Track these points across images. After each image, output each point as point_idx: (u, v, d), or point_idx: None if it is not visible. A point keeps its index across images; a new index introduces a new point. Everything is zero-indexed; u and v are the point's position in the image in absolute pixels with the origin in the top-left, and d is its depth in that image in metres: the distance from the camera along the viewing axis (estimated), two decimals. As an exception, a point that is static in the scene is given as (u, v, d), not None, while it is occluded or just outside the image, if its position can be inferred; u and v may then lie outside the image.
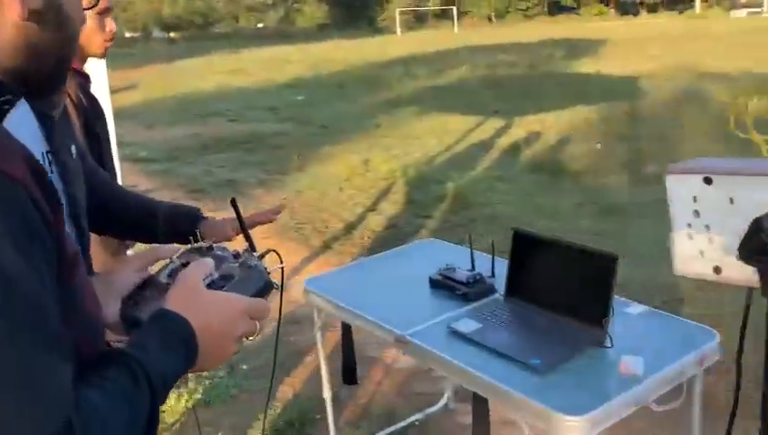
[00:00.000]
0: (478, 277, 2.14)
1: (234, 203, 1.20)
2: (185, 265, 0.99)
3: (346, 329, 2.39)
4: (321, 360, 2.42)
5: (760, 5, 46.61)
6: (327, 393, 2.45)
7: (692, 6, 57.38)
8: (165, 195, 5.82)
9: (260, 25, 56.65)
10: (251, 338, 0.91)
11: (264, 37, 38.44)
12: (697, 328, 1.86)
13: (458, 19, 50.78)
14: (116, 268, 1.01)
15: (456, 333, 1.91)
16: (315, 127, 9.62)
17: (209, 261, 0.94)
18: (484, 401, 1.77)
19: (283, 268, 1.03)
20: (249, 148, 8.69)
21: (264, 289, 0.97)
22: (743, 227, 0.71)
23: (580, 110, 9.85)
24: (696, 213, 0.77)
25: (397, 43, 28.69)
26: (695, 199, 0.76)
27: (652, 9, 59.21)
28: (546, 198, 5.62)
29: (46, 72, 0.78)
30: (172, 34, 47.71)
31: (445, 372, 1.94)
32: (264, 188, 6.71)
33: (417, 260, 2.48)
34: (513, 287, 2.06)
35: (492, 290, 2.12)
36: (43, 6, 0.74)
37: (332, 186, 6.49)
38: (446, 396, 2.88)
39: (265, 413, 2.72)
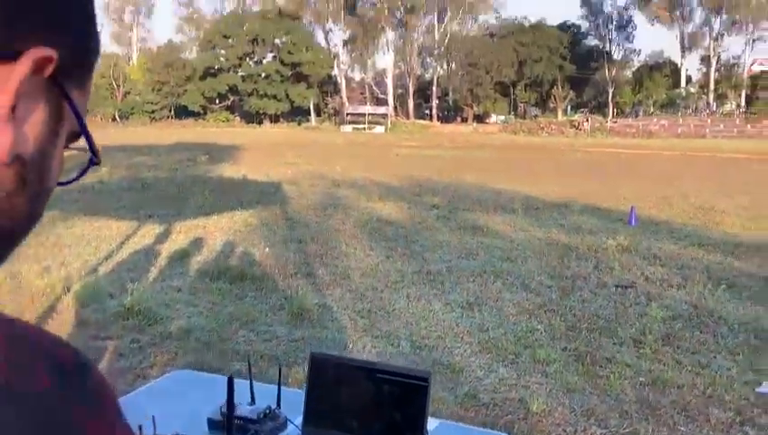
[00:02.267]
0: (268, 411, 1.94)
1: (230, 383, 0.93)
2: None
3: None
4: None
5: (363, 123, 54.24)
6: None
7: (308, 120, 64.02)
8: None
9: None
10: None
11: None
12: (493, 435, 1.97)
13: (81, 117, 48.11)
14: None
15: (266, 481, 1.68)
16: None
17: None
18: None
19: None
20: None
21: None
22: None
23: (238, 214, 10.02)
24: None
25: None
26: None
27: (274, 119, 64.24)
28: (235, 306, 5.48)
29: (14, 232, 0.48)
30: None
31: None
32: None
33: (178, 398, 2.15)
34: (313, 417, 1.92)
35: (285, 423, 1.95)
36: (32, 155, 0.46)
37: (-29, 308, 5.36)
38: None
39: None
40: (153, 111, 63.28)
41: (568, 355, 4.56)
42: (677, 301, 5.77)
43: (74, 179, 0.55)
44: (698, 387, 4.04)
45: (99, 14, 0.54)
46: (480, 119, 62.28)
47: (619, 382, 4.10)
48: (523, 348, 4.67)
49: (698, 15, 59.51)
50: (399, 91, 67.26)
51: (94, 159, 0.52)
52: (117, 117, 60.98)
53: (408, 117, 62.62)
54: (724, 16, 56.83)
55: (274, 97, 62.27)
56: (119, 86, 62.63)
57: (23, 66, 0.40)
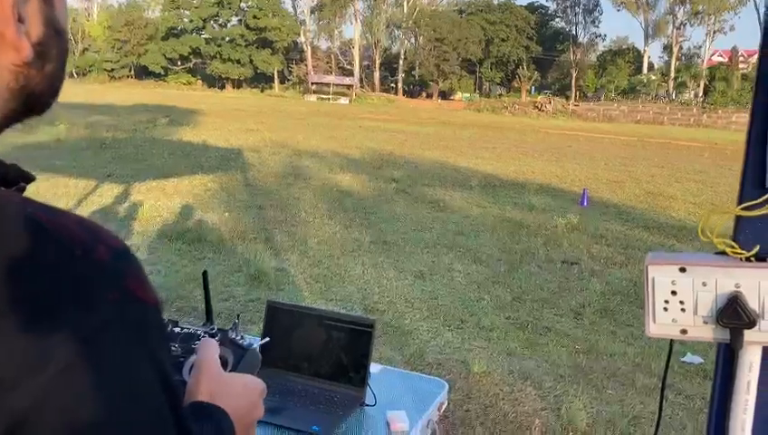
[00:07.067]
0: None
1: (205, 276, 1.25)
2: None
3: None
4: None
5: (327, 93, 53.88)
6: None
7: (271, 87, 63.31)
8: None
9: None
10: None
11: None
12: (432, 381, 2.17)
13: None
14: None
15: (221, 414, 1.85)
16: None
17: (213, 341, 0.85)
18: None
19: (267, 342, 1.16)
20: None
21: (257, 369, 0.97)
22: (712, 301, 0.97)
23: (198, 178, 10.04)
24: (674, 292, 1.01)
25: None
26: (672, 283, 0.99)
27: (237, 85, 63.35)
28: (193, 266, 5.60)
29: (45, 100, 0.60)
30: None
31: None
32: None
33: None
34: (267, 359, 2.09)
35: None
36: (44, 35, 0.56)
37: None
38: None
39: None
40: (112, 70, 61.80)
41: (511, 323, 4.82)
42: (618, 278, 6.09)
43: None
44: (629, 356, 4.34)
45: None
46: (445, 95, 62.54)
47: (556, 349, 4.38)
48: (469, 315, 4.91)
49: (662, 4, 60.59)
50: (366, 62, 66.96)
51: None
52: (74, 73, 59.35)
53: (373, 89, 62.46)
54: (688, 6, 57.90)
55: (238, 62, 61.37)
56: (76, 42, 60.95)
57: None
